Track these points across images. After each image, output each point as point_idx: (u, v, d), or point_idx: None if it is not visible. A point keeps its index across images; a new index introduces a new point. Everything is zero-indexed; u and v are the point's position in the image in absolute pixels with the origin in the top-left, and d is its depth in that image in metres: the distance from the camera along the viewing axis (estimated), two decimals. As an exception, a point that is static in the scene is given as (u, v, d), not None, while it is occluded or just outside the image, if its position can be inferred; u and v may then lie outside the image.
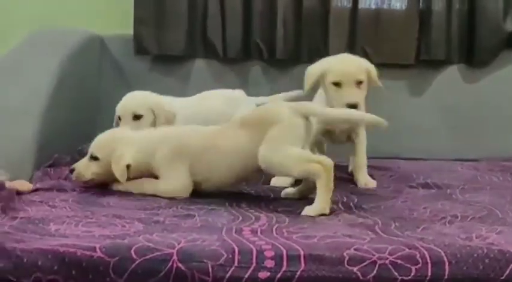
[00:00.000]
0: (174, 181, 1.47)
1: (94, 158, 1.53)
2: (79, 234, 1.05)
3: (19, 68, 2.03)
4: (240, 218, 1.25)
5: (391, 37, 2.55)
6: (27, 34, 2.35)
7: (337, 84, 1.70)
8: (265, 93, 2.57)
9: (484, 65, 2.58)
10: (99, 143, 1.55)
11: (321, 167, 1.37)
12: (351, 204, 1.46)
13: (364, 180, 1.76)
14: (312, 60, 2.55)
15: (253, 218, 1.25)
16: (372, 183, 1.74)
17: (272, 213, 1.30)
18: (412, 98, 2.58)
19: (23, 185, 1.43)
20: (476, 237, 1.09)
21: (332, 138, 1.83)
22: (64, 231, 1.08)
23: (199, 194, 1.48)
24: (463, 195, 1.61)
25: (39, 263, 0.93)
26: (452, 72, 2.58)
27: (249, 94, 2.56)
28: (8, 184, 1.35)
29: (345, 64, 1.74)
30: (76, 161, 1.69)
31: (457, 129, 2.55)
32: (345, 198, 1.52)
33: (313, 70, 1.77)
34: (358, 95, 1.68)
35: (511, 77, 2.59)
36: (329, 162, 1.38)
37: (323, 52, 2.56)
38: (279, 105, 1.53)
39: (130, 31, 2.54)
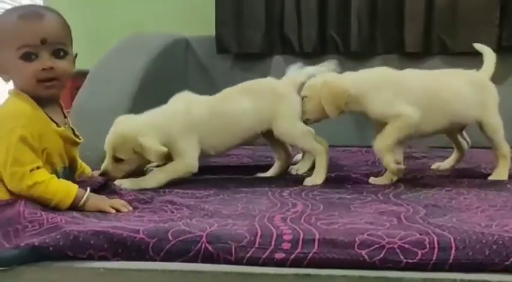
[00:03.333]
0: (190, 157, 1.63)
1: (119, 160, 1.57)
2: (131, 219, 1.22)
3: (109, 72, 2.27)
4: (278, 205, 1.35)
5: (469, 24, 2.50)
6: (120, 40, 2.60)
7: None
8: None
9: None
10: (116, 144, 1.57)
11: (321, 147, 1.66)
12: (394, 192, 1.51)
13: None
14: (388, 51, 2.60)
15: (290, 205, 1.36)
16: None
17: (310, 201, 1.40)
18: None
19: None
20: (496, 225, 1.12)
21: None
22: (121, 216, 1.25)
23: (245, 183, 1.62)
24: (519, 185, 1.60)
25: (92, 242, 1.10)
26: (539, 58, 2.48)
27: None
28: None
29: None
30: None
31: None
32: (391, 186, 1.59)
33: None
34: None
35: None
36: (326, 144, 1.69)
37: (399, 42, 2.58)
38: (280, 80, 1.77)
39: (212, 32, 2.72)
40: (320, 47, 2.64)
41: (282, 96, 1.71)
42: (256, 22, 2.65)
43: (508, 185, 1.60)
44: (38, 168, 1.27)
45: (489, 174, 1.78)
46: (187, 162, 1.63)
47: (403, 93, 1.65)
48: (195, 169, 1.64)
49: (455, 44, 2.52)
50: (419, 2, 2.52)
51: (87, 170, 1.58)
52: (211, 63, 2.74)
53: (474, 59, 2.46)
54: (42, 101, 1.33)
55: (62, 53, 1.31)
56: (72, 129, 1.46)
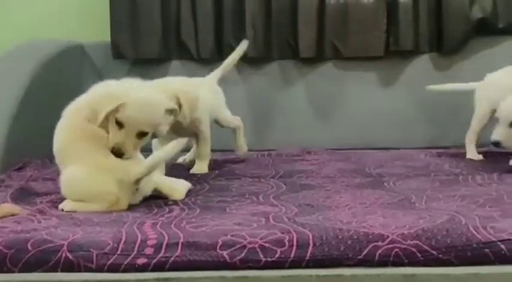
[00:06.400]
0: None
1: None
2: (-10, 230, 1.17)
3: (-7, 78, 2.18)
4: (155, 211, 1.34)
5: (359, 30, 2.60)
6: (11, 46, 2.50)
7: None
8: (240, 91, 2.67)
9: (454, 53, 2.60)
10: None
11: None
12: (276, 193, 1.54)
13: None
14: (283, 56, 2.65)
15: (167, 210, 1.35)
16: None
17: (188, 205, 1.39)
18: (384, 89, 2.63)
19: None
20: (356, 222, 1.16)
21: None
22: (-18, 227, 1.20)
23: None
24: (395, 183, 1.67)
25: None
26: (423, 62, 2.62)
27: (223, 91, 2.67)
28: None
29: None
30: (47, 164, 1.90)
31: (430, 118, 2.58)
32: (274, 187, 1.61)
33: None
34: None
35: (481, 64, 2.60)
36: None
37: (293, 48, 2.64)
38: None
39: (109, 38, 2.67)
40: (217, 53, 2.66)
41: None
42: (153, 27, 2.63)
43: (386, 184, 1.66)
44: None
45: (369, 174, 1.84)
46: None
47: None
48: None
49: (347, 49, 2.61)
50: (312, 10, 2.59)
51: None
52: (107, 69, 2.68)
53: (364, 63, 2.60)
54: None
55: None
56: None
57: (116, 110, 1.44)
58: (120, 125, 1.45)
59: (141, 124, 1.46)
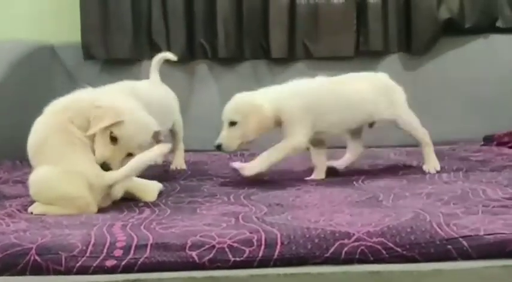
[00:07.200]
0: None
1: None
2: (-40, 234, 1.16)
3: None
4: (125, 212, 1.35)
5: (330, 31, 2.63)
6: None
7: None
8: (212, 91, 2.68)
9: (423, 53, 2.65)
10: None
11: None
12: (246, 193, 1.55)
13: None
14: (255, 56, 2.67)
15: (137, 211, 1.35)
16: None
17: (159, 207, 1.40)
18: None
19: None
20: (323, 220, 1.18)
21: None
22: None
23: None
24: (364, 181, 1.70)
25: None
26: (392, 61, 2.66)
27: (196, 91, 2.67)
28: None
29: None
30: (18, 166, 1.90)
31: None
32: (245, 187, 1.63)
33: None
34: None
35: (449, 63, 2.66)
36: None
37: (265, 49, 2.65)
38: None
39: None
40: (189, 53, 2.66)
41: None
42: (124, 28, 2.63)
43: (355, 182, 1.69)
44: None
45: (340, 173, 1.86)
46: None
47: None
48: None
49: (318, 50, 2.64)
50: (283, 10, 2.61)
51: None
52: (78, 70, 2.67)
53: (335, 63, 2.62)
54: None
55: None
56: None
57: (113, 125, 1.43)
58: (113, 140, 1.44)
59: (135, 145, 1.46)
